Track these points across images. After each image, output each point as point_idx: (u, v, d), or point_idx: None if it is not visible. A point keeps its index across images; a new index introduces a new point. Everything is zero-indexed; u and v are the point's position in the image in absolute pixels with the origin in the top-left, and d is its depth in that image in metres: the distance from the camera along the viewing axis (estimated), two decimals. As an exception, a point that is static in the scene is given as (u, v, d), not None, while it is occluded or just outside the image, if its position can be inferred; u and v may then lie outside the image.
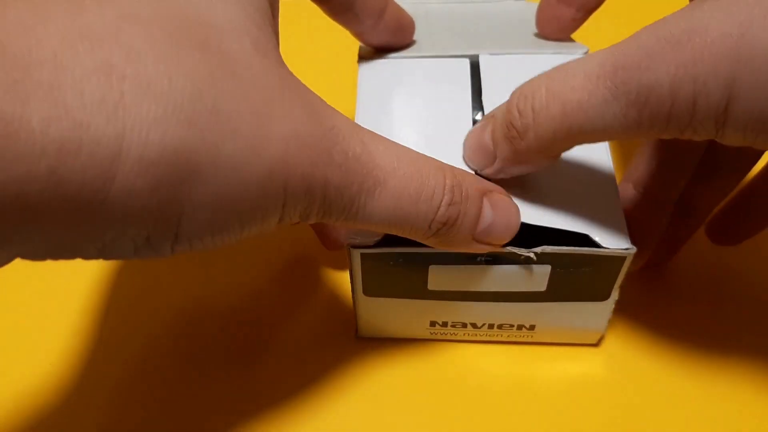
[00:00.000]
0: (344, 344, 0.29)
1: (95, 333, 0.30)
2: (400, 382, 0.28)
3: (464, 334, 0.28)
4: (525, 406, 0.27)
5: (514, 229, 0.23)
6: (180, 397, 0.27)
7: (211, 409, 0.27)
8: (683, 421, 0.27)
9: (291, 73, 0.19)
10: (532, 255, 0.24)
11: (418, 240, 0.22)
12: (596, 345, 0.29)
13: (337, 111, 0.20)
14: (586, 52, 0.28)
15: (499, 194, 0.23)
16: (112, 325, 0.30)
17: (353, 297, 0.27)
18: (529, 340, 0.28)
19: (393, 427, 0.27)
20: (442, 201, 0.21)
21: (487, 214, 0.22)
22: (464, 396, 0.27)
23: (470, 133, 0.25)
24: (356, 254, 0.24)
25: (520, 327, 0.28)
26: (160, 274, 0.31)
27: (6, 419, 0.27)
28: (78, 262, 0.21)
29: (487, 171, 0.24)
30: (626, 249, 0.24)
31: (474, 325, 0.28)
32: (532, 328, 0.28)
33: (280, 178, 0.17)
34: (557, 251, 0.24)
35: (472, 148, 0.25)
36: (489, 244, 0.23)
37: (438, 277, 0.25)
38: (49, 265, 0.17)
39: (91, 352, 0.29)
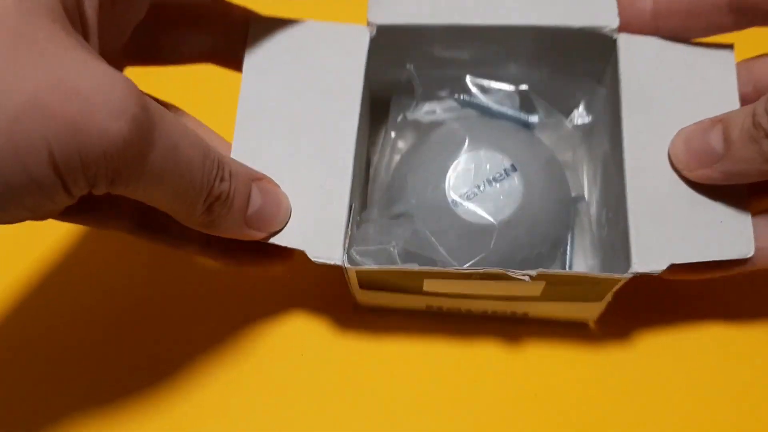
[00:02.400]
0: (343, 314, 0.30)
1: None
2: (398, 352, 0.29)
3: (460, 314, 0.29)
4: (523, 401, 0.28)
5: (284, 218, 0.24)
6: (185, 358, 0.29)
7: (217, 383, 0.29)
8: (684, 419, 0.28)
9: (72, 34, 0.18)
10: (526, 278, 0.24)
11: (191, 223, 0.22)
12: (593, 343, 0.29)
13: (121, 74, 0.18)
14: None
15: (267, 183, 0.24)
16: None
17: (350, 286, 0.27)
18: (523, 318, 0.29)
19: (391, 398, 0.29)
20: (216, 175, 0.21)
21: (255, 197, 0.23)
22: (461, 387, 0.29)
23: (687, 132, 0.24)
24: (352, 271, 0.24)
25: (513, 313, 0.28)
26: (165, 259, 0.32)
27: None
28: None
29: (702, 172, 0.24)
30: (622, 274, 0.24)
31: (469, 311, 0.28)
32: (525, 315, 0.28)
33: (34, 127, 0.16)
34: (552, 273, 0.24)
35: (691, 147, 0.24)
36: (260, 230, 0.24)
37: (433, 284, 0.25)
38: None
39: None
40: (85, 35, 0.20)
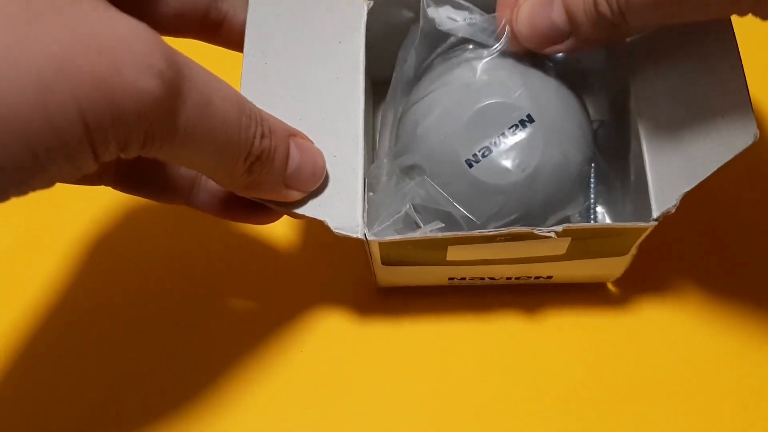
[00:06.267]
0: (365, 295, 0.30)
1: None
2: (421, 332, 0.29)
3: (482, 284, 0.29)
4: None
5: (321, 174, 0.24)
6: (213, 332, 0.29)
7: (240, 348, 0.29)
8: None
9: None
10: (552, 235, 0.23)
11: (232, 185, 0.22)
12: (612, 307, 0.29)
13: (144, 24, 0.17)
14: None
15: (302, 138, 0.23)
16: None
17: (371, 264, 0.27)
18: (545, 283, 0.29)
19: (417, 377, 0.28)
20: (256, 132, 0.21)
21: (294, 155, 0.23)
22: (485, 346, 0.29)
23: (528, 11, 0.24)
24: (374, 244, 0.24)
25: (537, 278, 0.28)
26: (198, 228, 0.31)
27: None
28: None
29: (551, 49, 0.24)
30: (650, 220, 0.23)
31: (492, 278, 0.28)
32: (549, 278, 0.28)
33: (65, 88, 0.15)
34: (577, 227, 0.23)
35: (535, 27, 0.24)
36: (298, 189, 0.23)
37: (457, 252, 0.25)
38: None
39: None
40: None
